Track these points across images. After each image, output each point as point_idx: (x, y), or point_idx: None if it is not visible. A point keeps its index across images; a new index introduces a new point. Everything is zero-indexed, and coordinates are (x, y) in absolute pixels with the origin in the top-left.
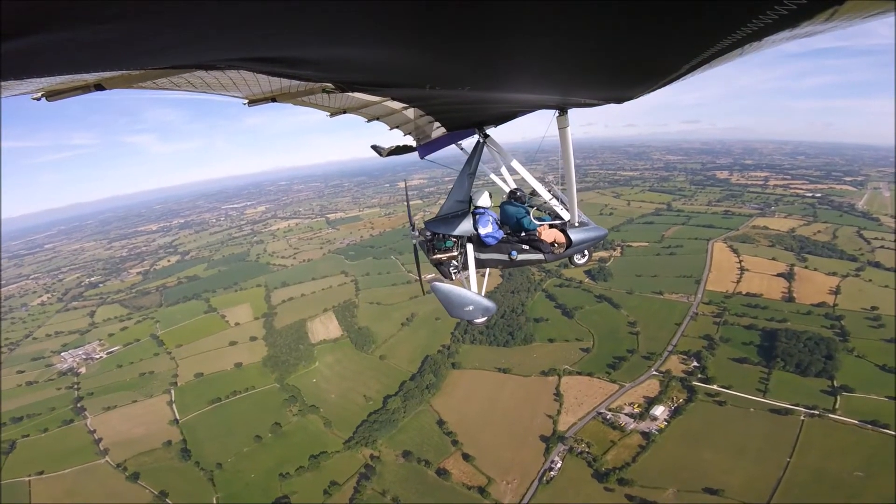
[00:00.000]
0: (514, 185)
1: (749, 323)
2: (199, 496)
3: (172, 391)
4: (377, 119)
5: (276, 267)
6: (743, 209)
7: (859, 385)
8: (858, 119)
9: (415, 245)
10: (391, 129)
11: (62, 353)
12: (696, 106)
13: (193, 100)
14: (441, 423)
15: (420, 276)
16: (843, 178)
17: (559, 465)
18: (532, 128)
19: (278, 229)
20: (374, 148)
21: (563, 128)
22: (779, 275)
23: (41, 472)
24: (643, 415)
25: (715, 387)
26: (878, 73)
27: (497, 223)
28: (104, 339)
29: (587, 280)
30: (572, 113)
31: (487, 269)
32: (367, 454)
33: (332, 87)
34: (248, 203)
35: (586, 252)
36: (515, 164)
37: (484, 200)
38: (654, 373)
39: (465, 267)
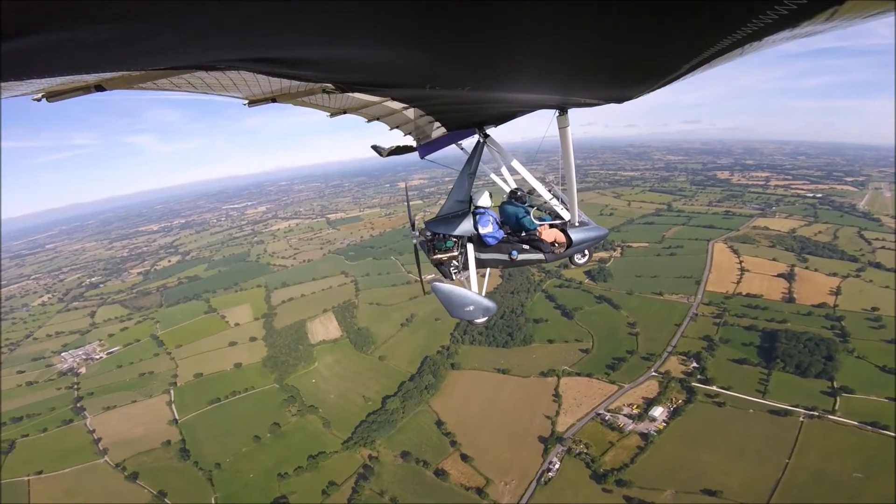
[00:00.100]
0: (514, 185)
1: (749, 324)
2: (198, 496)
3: (172, 391)
4: (377, 119)
5: (276, 267)
6: (743, 209)
7: (859, 386)
8: (859, 119)
9: (415, 245)
10: (391, 129)
11: (62, 354)
12: (696, 106)
13: (194, 100)
14: (440, 423)
15: (420, 276)
16: (844, 178)
17: (557, 466)
18: (532, 128)
19: (279, 229)
20: (375, 148)
21: (563, 127)
22: (779, 275)
23: (40, 472)
24: (642, 416)
25: (714, 388)
26: (879, 73)
27: (497, 223)
28: (104, 339)
29: (587, 281)
30: (572, 113)
31: (488, 269)
32: (366, 454)
33: (332, 87)
34: (249, 203)
35: (587, 252)
36: (516, 163)
37: (484, 200)
38: (654, 374)
39: (466, 267)
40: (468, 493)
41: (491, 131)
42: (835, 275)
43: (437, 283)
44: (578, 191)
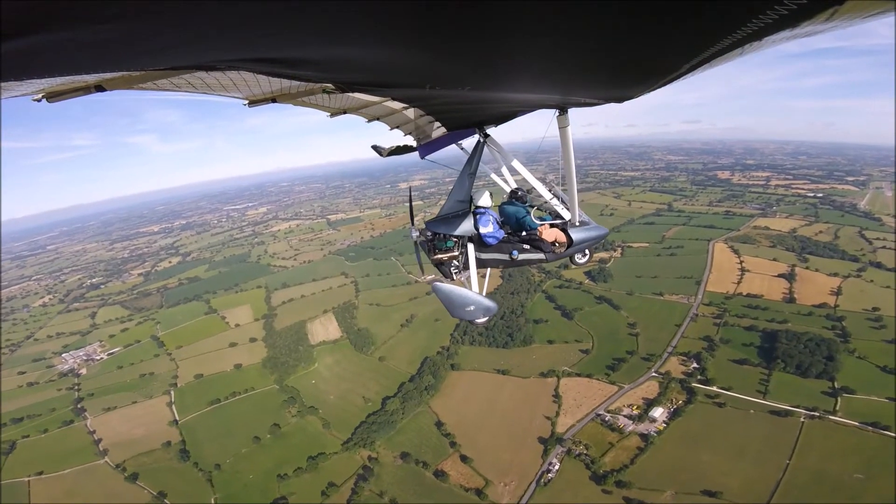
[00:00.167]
0: (514, 185)
1: (749, 324)
2: (198, 497)
3: (172, 392)
4: (377, 119)
5: (276, 268)
6: (744, 209)
7: (860, 386)
8: (860, 119)
9: (415, 242)
10: (391, 129)
11: (63, 355)
12: (697, 106)
13: (194, 100)
14: (439, 424)
15: (420, 263)
16: (845, 178)
17: (557, 467)
18: (532, 128)
19: (279, 230)
20: (375, 148)
21: (563, 127)
22: (780, 275)
23: (41, 473)
24: (642, 416)
25: (714, 388)
26: (879, 73)
27: (498, 223)
28: (105, 340)
29: (587, 281)
30: (573, 113)
31: (488, 269)
32: (366, 455)
33: (333, 87)
34: (250, 204)
35: (587, 251)
36: (516, 163)
37: (485, 200)
38: (654, 374)
39: (466, 267)
40: (468, 493)
41: (491, 131)
42: (835, 275)
43: (437, 283)
44: (579, 191)
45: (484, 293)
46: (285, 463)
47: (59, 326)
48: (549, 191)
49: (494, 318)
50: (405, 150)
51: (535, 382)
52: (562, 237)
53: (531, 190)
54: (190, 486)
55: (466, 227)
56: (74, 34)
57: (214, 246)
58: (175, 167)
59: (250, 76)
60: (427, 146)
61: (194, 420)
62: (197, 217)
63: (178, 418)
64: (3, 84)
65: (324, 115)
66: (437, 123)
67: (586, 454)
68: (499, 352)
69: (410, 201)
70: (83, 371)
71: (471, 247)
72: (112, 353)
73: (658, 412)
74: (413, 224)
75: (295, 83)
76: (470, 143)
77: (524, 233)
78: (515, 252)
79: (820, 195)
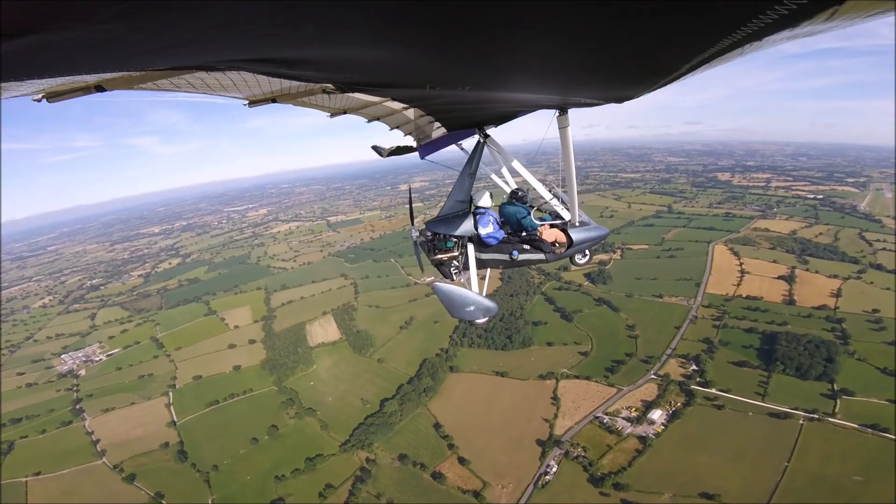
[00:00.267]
0: (514, 186)
1: (749, 326)
2: (195, 497)
3: (171, 393)
4: (377, 119)
5: (276, 270)
6: (744, 211)
7: (860, 388)
8: (860, 120)
9: (414, 241)
10: (391, 129)
11: (62, 356)
12: (698, 107)
13: (196, 101)
14: (437, 426)
15: (420, 263)
16: (846, 179)
17: (555, 470)
18: (532, 130)
19: (279, 232)
20: (375, 148)
21: (563, 127)
22: (779, 277)
23: (38, 473)
24: (640, 419)
25: (713, 390)
26: (880, 74)
27: (498, 223)
28: (104, 341)
29: (586, 283)
30: (573, 114)
31: (488, 270)
32: (363, 457)
33: (333, 87)
34: (250, 206)
35: (587, 252)
36: (516, 164)
37: (485, 201)
38: (653, 376)
39: (466, 267)
40: (465, 496)
41: (491, 132)
42: (835, 276)
43: (437, 284)
44: (579, 193)
45: (484, 294)
46: (283, 464)
47: (58, 327)
48: (549, 191)
49: (493, 320)
50: (405, 150)
51: (534, 384)
52: (562, 237)
53: (532, 190)
54: (187, 487)
55: (466, 227)
56: (74, 34)
57: (214, 247)
58: (176, 169)
59: (250, 76)
60: (427, 146)
61: (192, 421)
62: (197, 218)
63: (176, 419)
64: (3, 84)
65: (325, 116)
66: (437, 124)
67: (584, 456)
68: (498, 354)
69: (410, 202)
70: (82, 372)
71: (471, 247)
72: (111, 355)
73: (657, 414)
74: (413, 224)
75: (295, 83)
76: (470, 143)
77: (524, 233)
78: (515, 252)
79: (820, 197)
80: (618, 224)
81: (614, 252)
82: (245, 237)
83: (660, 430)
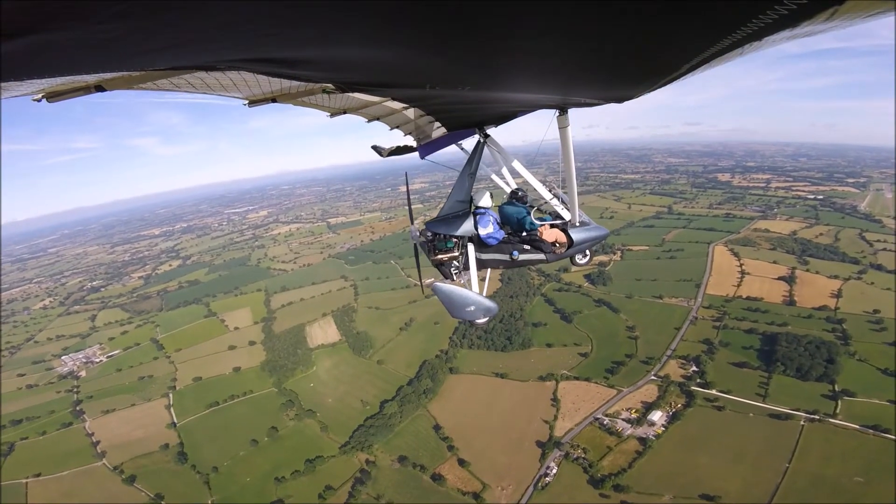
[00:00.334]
0: (514, 186)
1: (749, 327)
2: (195, 499)
3: (171, 395)
4: (377, 119)
5: (276, 271)
6: (744, 212)
7: (860, 389)
8: (861, 120)
9: (415, 245)
10: (391, 129)
11: (63, 357)
12: (698, 108)
13: (197, 103)
14: (437, 428)
15: (420, 279)
16: (846, 179)
17: (555, 471)
18: (533, 131)
19: (279, 234)
20: (375, 148)
21: (563, 127)
22: (780, 278)
23: (38, 475)
24: (640, 420)
25: (714, 392)
26: (880, 74)
27: (498, 223)
28: (105, 342)
29: (586, 284)
30: (573, 115)
31: (488, 270)
32: (363, 459)
33: (333, 87)
34: (251, 207)
35: (587, 252)
36: (516, 164)
37: (485, 201)
38: (653, 378)
39: (467, 267)
40: (465, 497)
41: (491, 132)
42: (836, 277)
43: (437, 284)
44: (579, 194)
45: (484, 294)
46: (283, 466)
47: (59, 329)
48: (550, 191)
49: (493, 321)
50: (405, 150)
51: (534, 386)
52: (562, 237)
53: (531, 189)
54: (187, 489)
55: (466, 227)
56: (74, 34)
57: (215, 249)
58: (177, 170)
59: (250, 76)
60: (427, 146)
61: (192, 423)
62: (198, 220)
63: (176, 421)
64: (3, 84)
65: (325, 117)
66: (437, 123)
67: (584, 458)
68: (497, 355)
69: (408, 189)
70: (82, 373)
71: (471, 247)
72: (111, 356)
73: (657, 416)
74: (412, 220)
75: (295, 83)
76: (470, 143)
77: (524, 233)
78: (516, 252)
79: (820, 197)
80: (618, 225)
81: (614, 253)
82: (245, 239)
83: (660, 431)
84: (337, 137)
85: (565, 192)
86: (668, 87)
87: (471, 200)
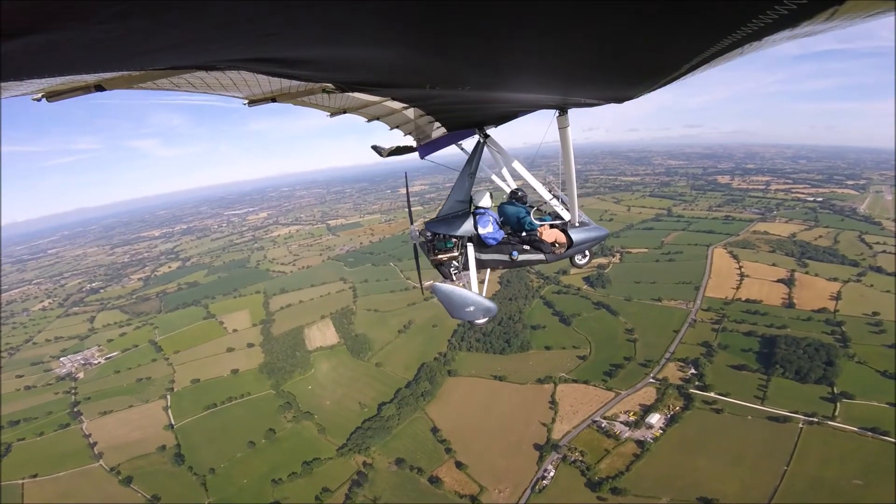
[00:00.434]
0: (514, 186)
1: (748, 329)
2: (192, 500)
3: (169, 396)
4: (377, 119)
5: (275, 273)
6: (744, 214)
7: (859, 391)
8: (861, 122)
9: (415, 247)
10: (391, 129)
11: (61, 358)
12: (699, 110)
13: (197, 104)
14: (435, 430)
15: (420, 281)
16: (845, 181)
17: (552, 474)
18: (533, 131)
19: (279, 236)
20: (375, 148)
21: (563, 128)
22: (779, 280)
23: (35, 475)
24: (638, 423)
25: (712, 394)
26: (880, 76)
27: (498, 223)
28: (103, 344)
29: (585, 287)
30: (573, 117)
31: (488, 270)
32: (360, 461)
33: (332, 87)
34: (251, 209)
35: (587, 252)
36: (516, 164)
37: (485, 201)
38: (651, 380)
39: (466, 267)
40: (462, 500)
41: (491, 133)
42: (835, 279)
43: (437, 284)
44: (578, 196)
45: (484, 294)
46: (280, 468)
47: (57, 330)
48: (549, 191)
49: (492, 323)
50: (405, 150)
51: (532, 389)
52: (562, 238)
53: (531, 190)
54: (184, 490)
55: (466, 227)
56: (74, 34)
57: (214, 251)
58: (177, 171)
59: (250, 76)
60: (427, 146)
61: (190, 424)
62: (198, 222)
63: (173, 422)
64: (3, 84)
65: (326, 118)
66: (437, 123)
67: (582, 461)
68: (496, 358)
69: (408, 196)
70: (80, 375)
71: (470, 247)
72: (110, 358)
73: (655, 418)
74: (413, 224)
75: (295, 83)
76: (470, 143)
77: (524, 233)
78: (515, 253)
79: (820, 199)
80: (617, 227)
81: (613, 256)
82: (245, 241)
83: (658, 434)
84: (337, 139)
85: (565, 193)
86: (669, 88)
87: (470, 200)
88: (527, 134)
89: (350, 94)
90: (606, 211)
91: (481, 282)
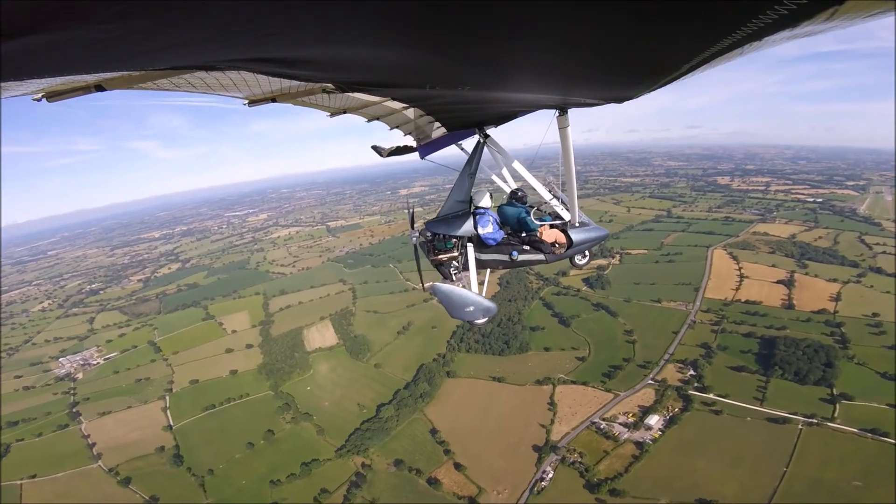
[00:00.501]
0: (514, 186)
1: (748, 331)
2: (190, 501)
3: (167, 397)
4: (377, 119)
5: (275, 275)
6: (743, 215)
7: (859, 392)
8: (861, 123)
9: (415, 247)
10: (391, 129)
11: (60, 359)
12: (699, 110)
13: (197, 106)
14: (434, 431)
15: (421, 281)
16: (845, 182)
17: (551, 476)
18: (533, 132)
19: (279, 237)
20: (375, 148)
21: (563, 128)
22: (779, 282)
23: (34, 476)
24: (637, 424)
25: (711, 396)
26: (880, 76)
27: (497, 224)
28: (102, 345)
29: (585, 288)
30: (573, 117)
31: (488, 270)
32: (359, 462)
33: (332, 87)
34: (251, 211)
35: (587, 252)
36: (516, 164)
37: (485, 201)
38: (650, 382)
39: (466, 268)
40: (461, 501)
41: (491, 133)
42: (835, 280)
43: (437, 284)
44: (578, 197)
45: (483, 294)
46: (278, 469)
47: (57, 331)
48: (549, 192)
49: (491, 325)
50: (405, 150)
51: (531, 390)
52: (562, 238)
53: (531, 190)
54: (183, 491)
55: (466, 227)
56: (74, 34)
57: (214, 252)
58: (178, 172)
59: (250, 76)
60: (427, 146)
61: (189, 425)
62: (198, 223)
63: (172, 423)
64: (3, 84)
65: (326, 119)
66: (437, 124)
67: (580, 462)
68: (495, 359)
69: (411, 214)
70: (79, 375)
71: (470, 247)
72: (109, 358)
73: (654, 420)
74: (413, 225)
75: (295, 83)
76: (470, 143)
77: (524, 233)
78: (515, 253)
79: (820, 200)
80: (617, 228)
81: (613, 257)
82: (245, 242)
83: (657, 435)
84: (337, 140)
85: (565, 193)
86: (669, 89)
87: (470, 200)
88: (527, 134)
89: (350, 94)
90: (606, 212)
91: (481, 282)
